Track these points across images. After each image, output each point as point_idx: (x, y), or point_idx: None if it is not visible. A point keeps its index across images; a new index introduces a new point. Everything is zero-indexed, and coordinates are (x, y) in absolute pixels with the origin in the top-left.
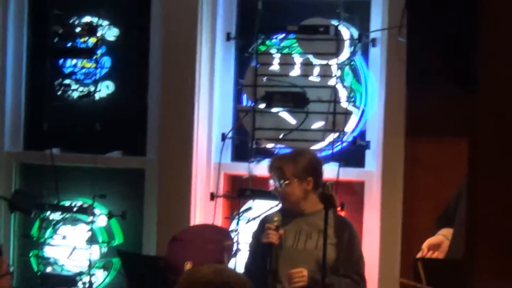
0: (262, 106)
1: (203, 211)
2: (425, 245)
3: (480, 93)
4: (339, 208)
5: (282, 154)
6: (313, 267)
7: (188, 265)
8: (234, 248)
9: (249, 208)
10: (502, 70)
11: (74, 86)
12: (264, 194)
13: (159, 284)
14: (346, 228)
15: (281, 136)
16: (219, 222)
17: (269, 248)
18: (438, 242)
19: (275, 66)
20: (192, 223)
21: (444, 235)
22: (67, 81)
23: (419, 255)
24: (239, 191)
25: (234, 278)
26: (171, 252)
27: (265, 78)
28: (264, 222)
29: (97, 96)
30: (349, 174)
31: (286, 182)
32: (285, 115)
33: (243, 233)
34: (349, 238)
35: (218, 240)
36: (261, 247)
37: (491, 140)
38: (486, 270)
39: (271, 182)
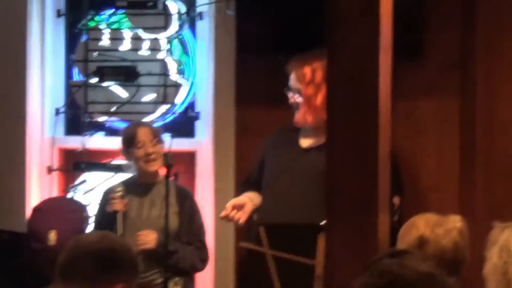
0: (93, 80)
1: (38, 185)
2: (229, 205)
3: (332, 58)
4: (172, 178)
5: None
6: (158, 235)
7: (52, 234)
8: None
9: (84, 181)
10: (351, 35)
11: None
12: (99, 166)
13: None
14: (188, 197)
15: (113, 109)
16: (55, 195)
17: (115, 216)
18: (242, 202)
19: (105, 41)
20: (28, 197)
21: (249, 197)
22: None
23: (222, 214)
24: (75, 165)
25: (119, 243)
26: (34, 221)
27: (95, 53)
28: (108, 194)
29: None
30: (181, 144)
31: (161, 143)
32: (116, 88)
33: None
34: (191, 206)
35: (78, 211)
36: (106, 218)
37: (345, 101)
38: (344, 229)
39: (140, 146)
